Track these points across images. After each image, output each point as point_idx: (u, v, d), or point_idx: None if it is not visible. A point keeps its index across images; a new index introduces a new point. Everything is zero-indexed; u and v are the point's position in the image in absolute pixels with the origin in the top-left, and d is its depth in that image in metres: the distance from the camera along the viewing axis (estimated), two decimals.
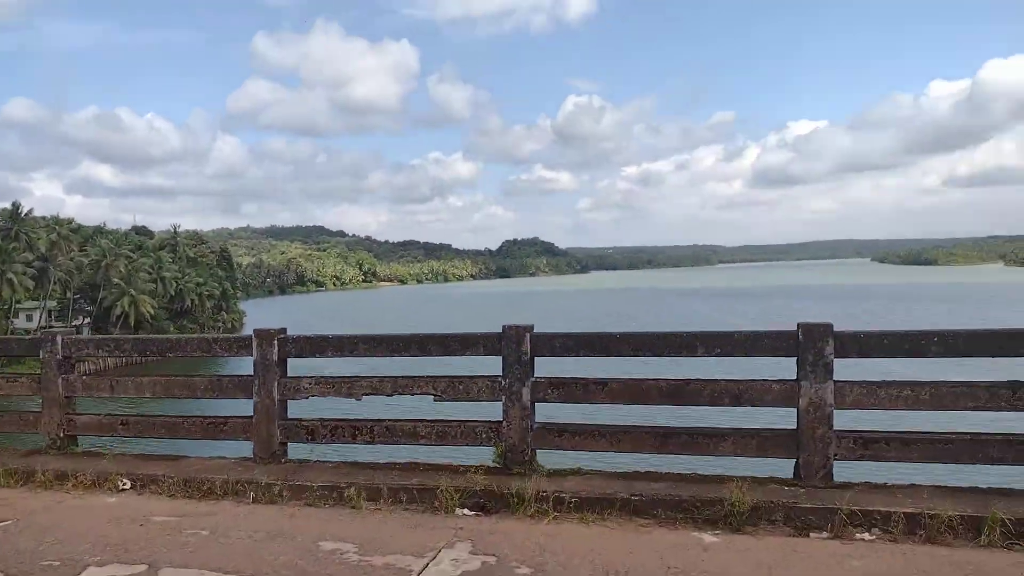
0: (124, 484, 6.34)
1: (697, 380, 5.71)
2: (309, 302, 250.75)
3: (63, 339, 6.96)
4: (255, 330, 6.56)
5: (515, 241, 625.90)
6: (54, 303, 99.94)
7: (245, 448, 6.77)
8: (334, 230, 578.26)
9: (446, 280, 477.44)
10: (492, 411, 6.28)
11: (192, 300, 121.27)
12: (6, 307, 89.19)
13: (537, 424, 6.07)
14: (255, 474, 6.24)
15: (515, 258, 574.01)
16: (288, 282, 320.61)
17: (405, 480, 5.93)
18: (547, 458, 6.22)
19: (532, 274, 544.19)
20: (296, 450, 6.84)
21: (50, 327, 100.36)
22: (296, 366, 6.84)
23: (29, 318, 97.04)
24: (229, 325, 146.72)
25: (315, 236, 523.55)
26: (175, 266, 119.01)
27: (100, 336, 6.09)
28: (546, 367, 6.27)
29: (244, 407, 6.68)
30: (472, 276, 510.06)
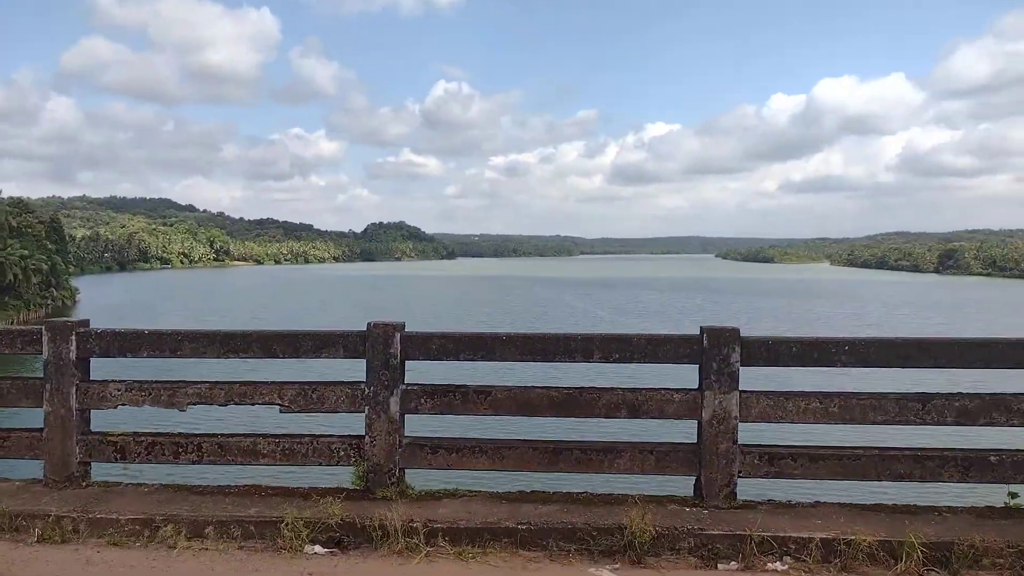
0: None
1: (592, 388, 5.02)
2: (152, 280, 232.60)
3: None
4: (46, 322, 5.16)
5: (380, 224, 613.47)
6: None
7: (36, 468, 5.36)
8: (183, 204, 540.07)
9: (307, 262, 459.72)
10: (352, 424, 5.28)
11: (15, 275, 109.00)
12: None
13: (407, 439, 5.15)
14: (44, 503, 4.89)
15: (380, 241, 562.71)
16: (129, 258, 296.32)
17: (240, 510, 4.81)
18: (418, 478, 5.31)
19: (397, 258, 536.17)
20: (104, 471, 5.51)
21: None
22: (105, 368, 5.50)
23: None
24: (59, 303, 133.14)
25: (161, 210, 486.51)
26: None
27: None
28: (418, 372, 5.35)
29: (33, 417, 5.26)
30: (335, 258, 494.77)
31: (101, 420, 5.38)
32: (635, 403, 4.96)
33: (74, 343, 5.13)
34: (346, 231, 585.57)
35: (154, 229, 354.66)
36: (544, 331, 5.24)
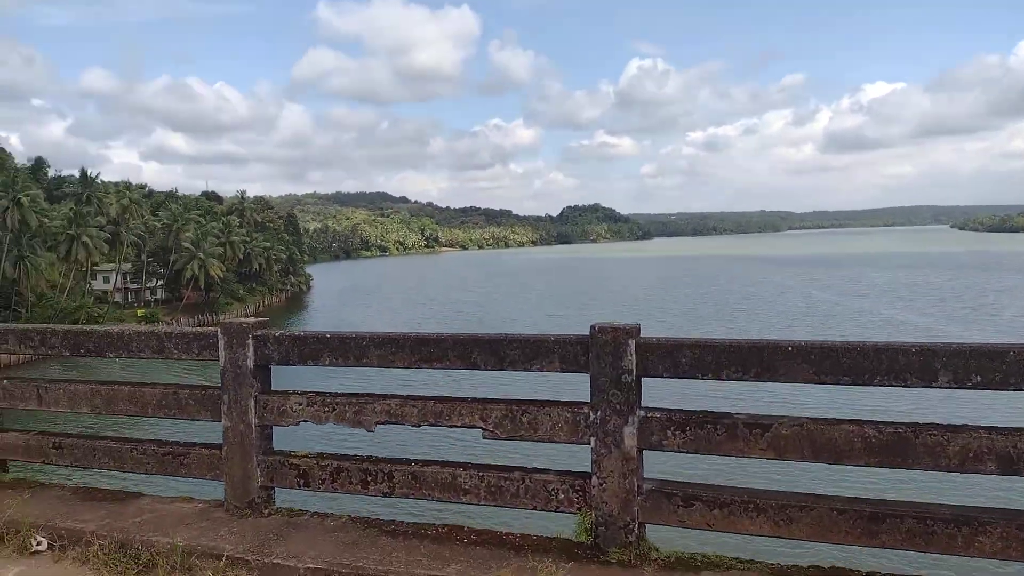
0: (38, 543, 4.37)
1: (934, 427, 3.30)
2: (372, 266, 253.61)
3: None
4: (223, 324, 4.47)
5: (576, 207, 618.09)
6: (128, 266, 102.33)
7: (218, 486, 4.73)
8: (396, 196, 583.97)
9: (506, 246, 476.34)
10: (576, 457, 4.02)
11: (260, 264, 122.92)
12: (84, 269, 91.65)
13: (648, 484, 3.78)
14: (221, 536, 4.19)
15: (576, 224, 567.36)
16: (353, 247, 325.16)
17: (438, 567, 3.75)
18: (661, 535, 3.93)
19: (592, 240, 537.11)
20: (289, 493, 4.77)
21: (127, 288, 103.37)
22: (289, 376, 4.74)
23: (106, 280, 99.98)
24: (297, 288, 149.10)
25: (378, 202, 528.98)
26: (243, 231, 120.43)
27: (23, 326, 4.60)
28: (657, 392, 3.95)
29: (212, 432, 4.62)
30: (532, 242, 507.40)
31: (281, 438, 4.62)
32: (1011, 452, 3.17)
33: (251, 348, 4.38)
34: (543, 215, 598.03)
35: (373, 220, 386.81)
36: (843, 339, 3.61)
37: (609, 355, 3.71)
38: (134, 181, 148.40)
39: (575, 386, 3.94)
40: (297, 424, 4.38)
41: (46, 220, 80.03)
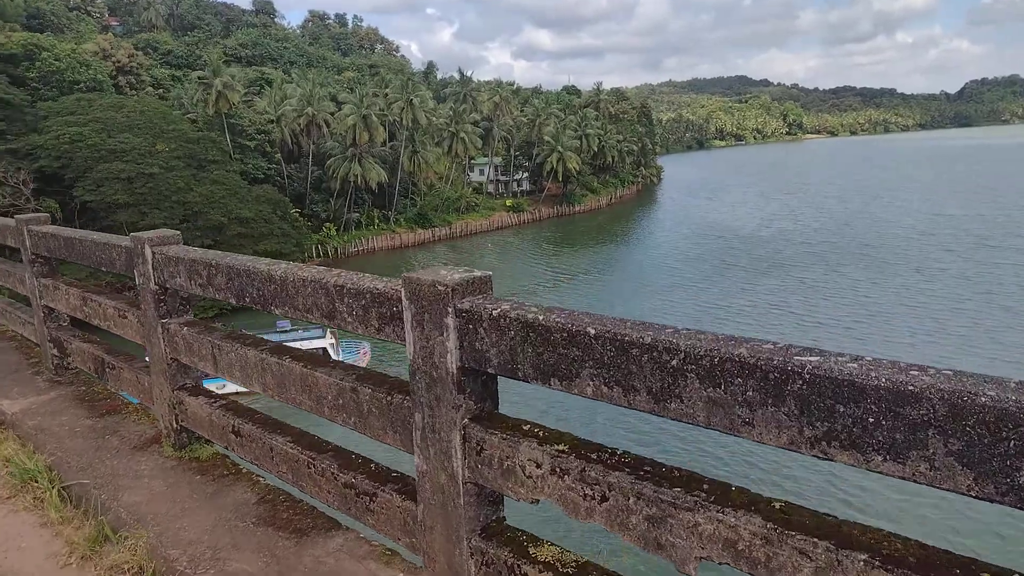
0: None
1: None
2: (725, 156, 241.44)
3: (154, 253, 3.66)
4: (406, 278, 2.27)
5: (983, 81, 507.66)
6: (499, 159, 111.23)
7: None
8: (756, 79, 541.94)
9: (886, 131, 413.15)
10: None
11: (612, 156, 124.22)
12: (462, 163, 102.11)
13: None
14: None
15: (982, 103, 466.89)
16: (707, 136, 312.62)
17: None
18: None
19: (1005, 121, 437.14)
20: None
21: (498, 180, 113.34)
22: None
23: (481, 172, 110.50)
24: (647, 180, 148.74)
25: (736, 87, 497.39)
26: (598, 123, 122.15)
27: (193, 255, 3.57)
28: None
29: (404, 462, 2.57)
30: (920, 125, 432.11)
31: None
32: None
33: (452, 333, 2.14)
34: (936, 93, 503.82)
35: (729, 107, 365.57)
36: None
37: None
38: (504, 79, 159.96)
39: None
40: (534, 502, 2.08)
41: (433, 118, 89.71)
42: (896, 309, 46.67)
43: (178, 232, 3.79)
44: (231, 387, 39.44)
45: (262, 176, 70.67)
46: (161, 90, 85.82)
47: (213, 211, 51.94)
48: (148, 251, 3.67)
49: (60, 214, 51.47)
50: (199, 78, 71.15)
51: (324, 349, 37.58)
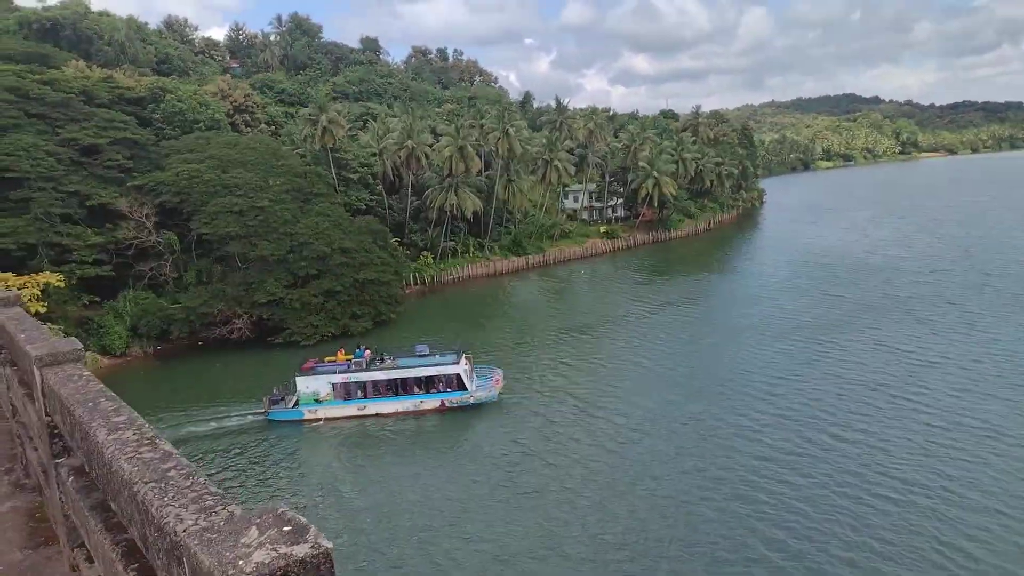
0: None
1: None
2: (830, 178, 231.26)
3: None
4: None
5: None
6: (593, 186, 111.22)
7: None
8: (866, 97, 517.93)
9: (1012, 147, 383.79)
10: None
11: (711, 180, 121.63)
12: (557, 190, 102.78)
13: None
14: None
15: None
16: (812, 157, 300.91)
17: None
18: None
19: None
20: None
21: (592, 206, 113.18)
22: None
23: (575, 199, 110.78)
24: (749, 204, 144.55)
25: (844, 105, 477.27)
26: (695, 147, 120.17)
27: None
28: None
29: None
30: None
31: None
32: None
33: None
34: None
35: (837, 126, 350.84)
36: None
37: None
38: (602, 105, 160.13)
39: None
40: None
41: (528, 147, 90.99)
42: (1018, 346, 42.96)
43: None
44: (322, 411, 41.04)
45: (364, 207, 73.62)
46: (274, 127, 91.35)
47: (318, 242, 54.43)
48: None
49: (179, 245, 55.46)
50: (308, 115, 75.22)
51: (459, 375, 38.48)
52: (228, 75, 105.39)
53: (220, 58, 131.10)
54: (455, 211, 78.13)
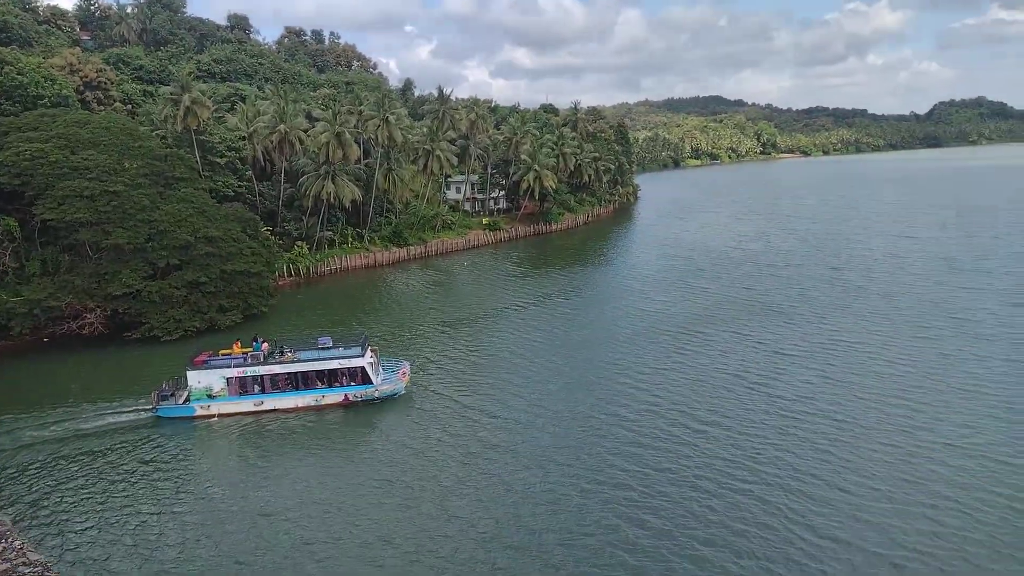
0: None
1: None
2: (699, 176, 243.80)
3: None
4: None
5: (950, 103, 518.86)
6: (475, 177, 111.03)
7: None
8: (731, 99, 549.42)
9: (857, 151, 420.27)
10: None
11: (589, 175, 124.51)
12: (439, 180, 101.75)
13: None
14: None
15: (950, 124, 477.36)
16: (682, 155, 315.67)
17: None
18: None
19: (972, 142, 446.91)
20: None
21: (474, 198, 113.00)
22: None
23: (457, 190, 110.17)
24: (624, 199, 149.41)
25: (712, 107, 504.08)
26: (575, 142, 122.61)
27: None
28: None
29: None
30: (891, 146, 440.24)
31: None
32: None
33: None
34: (906, 114, 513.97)
35: (705, 127, 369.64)
36: None
37: None
38: (484, 97, 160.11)
39: None
40: None
41: (409, 136, 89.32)
42: (860, 337, 46.92)
43: None
44: (215, 407, 38.86)
45: (232, 194, 69.70)
46: (131, 106, 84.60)
47: (180, 230, 50.90)
48: None
49: (20, 233, 50.24)
50: (170, 94, 70.20)
51: (363, 368, 37.09)
52: (78, 48, 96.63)
53: (69, 29, 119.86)
54: (332, 200, 75.57)
